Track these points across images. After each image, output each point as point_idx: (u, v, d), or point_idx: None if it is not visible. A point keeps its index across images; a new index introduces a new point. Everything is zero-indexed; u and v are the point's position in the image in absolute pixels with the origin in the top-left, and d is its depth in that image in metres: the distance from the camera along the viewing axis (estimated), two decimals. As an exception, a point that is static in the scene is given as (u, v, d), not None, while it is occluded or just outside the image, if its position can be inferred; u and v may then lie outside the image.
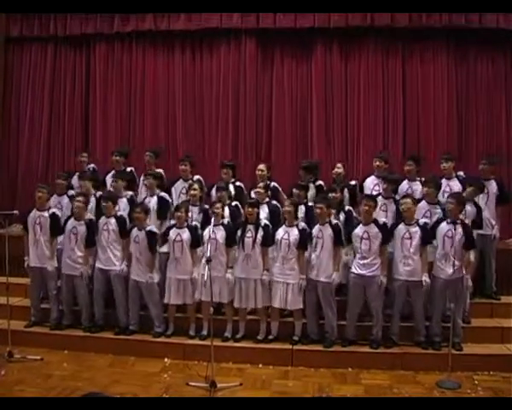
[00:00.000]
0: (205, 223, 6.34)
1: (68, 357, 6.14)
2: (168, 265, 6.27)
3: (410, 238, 5.83)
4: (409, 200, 5.93)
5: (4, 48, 8.74)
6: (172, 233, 6.21)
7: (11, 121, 8.77)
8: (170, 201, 6.79)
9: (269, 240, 6.06)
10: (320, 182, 6.88)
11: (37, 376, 5.60)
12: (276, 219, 6.31)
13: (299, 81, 8.23)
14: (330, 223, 5.95)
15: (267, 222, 6.20)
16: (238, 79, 8.23)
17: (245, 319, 6.24)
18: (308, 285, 6.01)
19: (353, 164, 8.00)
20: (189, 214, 6.41)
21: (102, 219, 6.41)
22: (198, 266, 6.18)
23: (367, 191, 6.64)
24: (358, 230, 5.92)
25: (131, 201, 6.76)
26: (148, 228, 6.26)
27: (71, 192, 6.95)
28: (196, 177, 7.02)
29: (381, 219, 6.01)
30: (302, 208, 6.34)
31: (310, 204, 6.38)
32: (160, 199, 6.68)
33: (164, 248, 6.38)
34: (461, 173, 6.76)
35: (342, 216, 6.28)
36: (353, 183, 6.91)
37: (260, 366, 5.90)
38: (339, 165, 6.93)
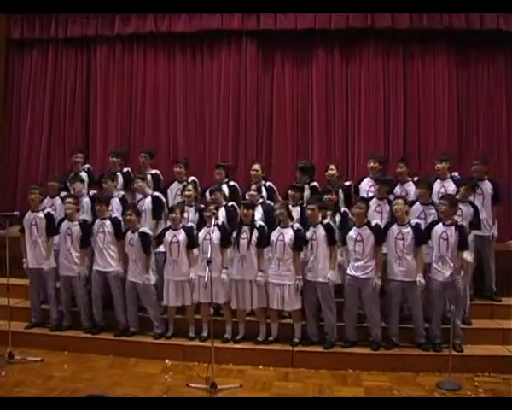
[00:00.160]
0: (201, 223, 6.36)
1: (68, 358, 6.14)
2: (165, 267, 6.27)
3: (403, 239, 5.84)
4: (400, 201, 5.93)
5: (5, 50, 8.76)
6: (168, 235, 6.21)
7: (12, 123, 8.79)
8: (164, 200, 6.80)
9: (264, 241, 6.07)
10: (315, 183, 6.88)
11: (38, 377, 5.61)
12: (271, 219, 6.31)
13: (300, 83, 8.23)
14: (322, 223, 5.97)
15: (262, 223, 6.20)
16: (239, 80, 8.24)
17: (244, 321, 6.24)
18: (307, 287, 6.01)
19: (354, 166, 8.01)
20: (185, 215, 6.43)
21: (97, 222, 6.42)
22: (194, 266, 6.19)
23: (363, 193, 6.66)
24: (352, 232, 5.94)
25: (124, 201, 6.79)
26: (140, 229, 6.27)
27: (63, 193, 6.95)
28: (191, 178, 7.05)
29: (374, 221, 6.02)
30: (298, 210, 6.35)
31: (305, 205, 6.38)
32: (154, 199, 6.69)
33: (161, 248, 6.38)
34: (455, 174, 6.77)
35: (338, 217, 6.28)
36: (348, 184, 6.92)
37: (261, 367, 5.90)
38: (332, 166, 6.89)
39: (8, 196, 8.59)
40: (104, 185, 6.82)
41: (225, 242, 6.11)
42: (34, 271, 6.53)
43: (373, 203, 6.33)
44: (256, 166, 6.96)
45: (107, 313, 6.50)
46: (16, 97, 8.80)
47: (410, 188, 6.55)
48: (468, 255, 5.87)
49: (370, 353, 5.90)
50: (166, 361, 6.03)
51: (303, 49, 8.20)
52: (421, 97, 8.01)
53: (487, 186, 6.52)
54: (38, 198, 6.57)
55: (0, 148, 8.75)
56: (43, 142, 8.66)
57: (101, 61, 8.56)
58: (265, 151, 8.25)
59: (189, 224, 6.39)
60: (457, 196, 6.14)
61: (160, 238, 6.30)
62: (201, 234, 6.18)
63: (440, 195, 6.28)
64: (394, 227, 5.91)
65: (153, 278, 6.28)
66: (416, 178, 6.63)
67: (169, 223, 6.38)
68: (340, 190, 6.59)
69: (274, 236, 6.04)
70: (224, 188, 6.79)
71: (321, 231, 5.94)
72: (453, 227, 5.77)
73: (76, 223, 6.42)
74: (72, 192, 6.80)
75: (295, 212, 6.31)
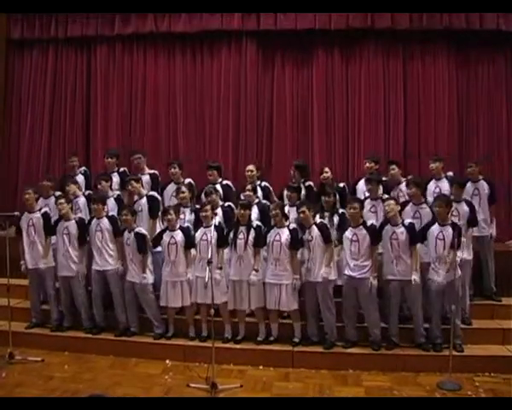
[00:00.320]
0: (197, 223, 6.37)
1: (69, 359, 6.14)
2: (163, 268, 6.28)
3: (397, 239, 5.85)
4: (391, 201, 5.94)
5: (5, 50, 8.76)
6: (166, 236, 6.22)
7: (12, 123, 8.80)
8: (159, 199, 6.80)
9: (261, 241, 6.09)
10: (310, 183, 6.89)
11: (38, 377, 5.61)
12: (267, 218, 6.32)
13: (300, 83, 8.25)
14: (316, 223, 5.99)
15: (259, 223, 6.22)
16: (239, 80, 8.25)
17: (244, 321, 6.24)
18: (306, 288, 6.03)
19: (354, 166, 8.01)
20: (181, 216, 6.44)
21: (94, 221, 6.42)
22: (192, 267, 6.20)
23: (360, 194, 6.66)
24: (348, 232, 5.96)
25: (119, 201, 6.79)
26: (136, 230, 6.28)
27: (58, 193, 6.94)
28: (187, 180, 7.03)
29: (370, 221, 6.04)
30: (294, 210, 6.33)
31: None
32: (150, 199, 6.69)
33: (159, 248, 6.38)
34: (450, 174, 6.78)
35: (336, 219, 6.29)
36: (342, 185, 6.91)
37: (261, 367, 5.90)
38: (326, 169, 6.85)
39: (9, 196, 8.60)
40: (99, 186, 6.81)
41: (221, 242, 6.12)
42: (33, 271, 6.53)
43: (367, 204, 6.35)
44: (250, 167, 6.98)
45: (107, 313, 6.50)
46: (16, 97, 8.80)
47: (405, 188, 6.54)
48: (463, 254, 5.85)
49: (371, 353, 5.90)
50: (167, 362, 6.03)
51: (303, 49, 8.21)
52: (421, 97, 8.03)
53: (483, 186, 6.52)
54: (33, 198, 6.58)
55: (0, 148, 8.76)
56: (44, 142, 8.66)
57: (102, 61, 8.57)
58: (266, 151, 8.26)
59: (186, 224, 6.40)
60: (452, 197, 6.14)
61: (157, 240, 6.30)
62: (198, 234, 6.20)
63: (435, 195, 6.30)
64: (388, 228, 5.93)
65: (150, 278, 6.29)
66: (410, 176, 6.66)
67: (166, 224, 6.38)
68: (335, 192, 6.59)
69: (270, 236, 6.06)
70: (218, 188, 6.79)
71: (316, 232, 5.96)
72: (449, 227, 5.78)
73: (72, 221, 6.42)
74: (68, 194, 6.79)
75: (293, 212, 6.32)
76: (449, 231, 5.75)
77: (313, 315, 6.10)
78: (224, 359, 5.86)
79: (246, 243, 6.05)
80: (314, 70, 8.16)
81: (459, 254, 5.67)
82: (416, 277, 5.76)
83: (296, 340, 6.10)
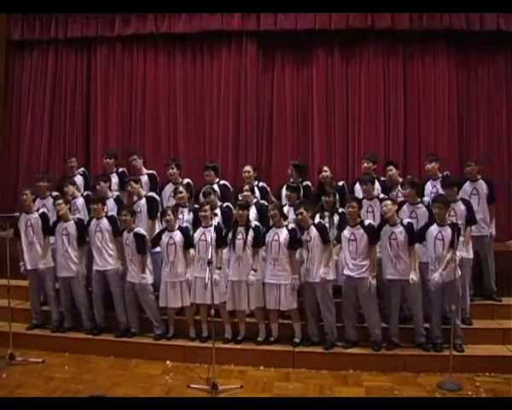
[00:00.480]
0: (196, 223, 6.37)
1: (69, 359, 6.15)
2: (163, 269, 6.28)
3: (396, 239, 5.85)
4: (388, 202, 5.93)
5: (5, 51, 8.75)
6: (165, 237, 6.22)
7: (12, 124, 8.79)
8: (158, 199, 6.81)
9: (259, 241, 6.09)
10: (308, 182, 6.89)
11: (39, 378, 5.61)
12: (265, 218, 6.32)
13: (300, 83, 8.24)
14: (314, 224, 5.99)
15: (257, 223, 6.22)
16: (239, 80, 8.24)
17: (244, 322, 6.24)
18: (306, 288, 6.04)
19: (354, 166, 7.99)
20: (180, 216, 6.45)
21: (94, 222, 6.42)
22: (191, 267, 6.21)
23: (358, 194, 6.61)
24: (346, 232, 5.96)
25: (118, 201, 6.80)
26: (135, 230, 6.28)
27: (55, 193, 6.95)
28: (186, 180, 7.04)
29: (367, 221, 6.04)
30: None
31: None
32: (148, 199, 6.70)
33: (158, 248, 6.39)
34: (447, 173, 6.77)
35: (336, 218, 6.29)
36: (341, 183, 6.91)
37: (261, 368, 5.91)
38: (325, 168, 6.85)
39: (9, 197, 8.59)
40: (98, 187, 6.81)
41: (220, 242, 6.12)
42: (32, 272, 6.53)
43: (364, 204, 6.33)
44: (247, 168, 7.00)
45: (108, 313, 6.50)
46: (16, 98, 8.80)
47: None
48: (463, 253, 5.86)
49: (371, 353, 5.90)
50: (167, 362, 6.04)
51: (303, 49, 8.20)
52: (421, 97, 8.02)
53: (482, 186, 6.52)
54: (30, 199, 6.59)
55: (0, 148, 8.76)
56: (44, 142, 8.65)
57: (102, 62, 8.56)
58: (266, 151, 8.25)
59: (185, 224, 6.41)
60: (448, 198, 6.13)
61: (156, 241, 6.30)
62: (197, 234, 6.20)
63: (433, 195, 6.29)
64: (386, 228, 5.92)
65: (149, 278, 6.29)
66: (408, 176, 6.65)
67: (164, 224, 6.38)
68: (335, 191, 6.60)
69: (269, 236, 6.07)
70: (216, 188, 6.79)
71: (314, 232, 5.96)
72: (448, 227, 5.78)
73: (71, 222, 6.43)
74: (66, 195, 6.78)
75: (292, 212, 6.29)
76: (448, 231, 5.76)
77: (313, 315, 6.10)
78: (224, 359, 5.86)
79: (245, 243, 6.05)
80: (314, 70, 8.16)
81: (458, 253, 5.67)
82: (414, 276, 5.76)
83: (297, 340, 6.11)
